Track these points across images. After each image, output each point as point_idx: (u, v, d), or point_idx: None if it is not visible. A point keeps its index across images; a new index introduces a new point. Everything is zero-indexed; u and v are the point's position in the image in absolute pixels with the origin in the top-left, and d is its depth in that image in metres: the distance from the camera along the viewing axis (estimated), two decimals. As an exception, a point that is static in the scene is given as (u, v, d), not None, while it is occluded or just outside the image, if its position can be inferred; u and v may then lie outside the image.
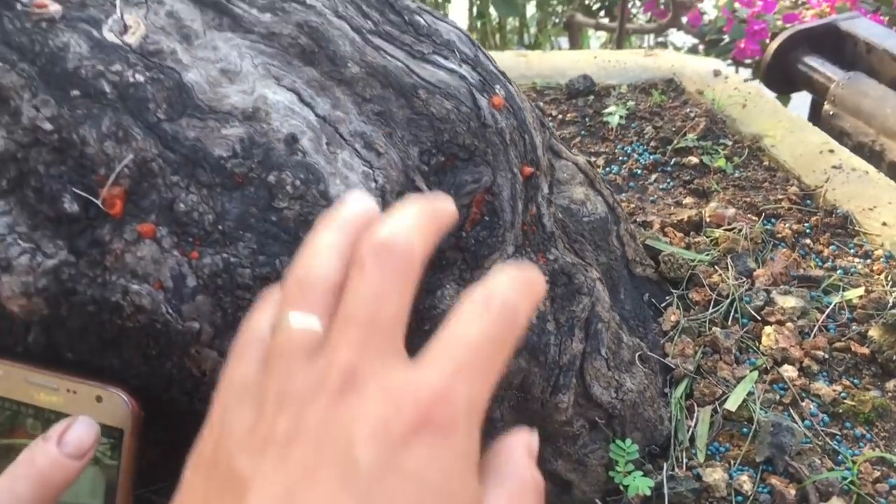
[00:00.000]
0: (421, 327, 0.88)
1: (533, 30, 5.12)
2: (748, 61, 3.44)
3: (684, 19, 3.96)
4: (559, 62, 1.76)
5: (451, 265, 0.88)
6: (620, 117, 1.53)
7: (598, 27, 4.47)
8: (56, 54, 0.71)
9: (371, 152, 0.81)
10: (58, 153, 0.72)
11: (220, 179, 0.75)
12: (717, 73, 1.61)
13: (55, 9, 0.72)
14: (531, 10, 4.86)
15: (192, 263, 0.74)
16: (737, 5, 3.46)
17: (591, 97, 1.63)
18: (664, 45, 4.92)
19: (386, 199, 0.81)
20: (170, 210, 0.74)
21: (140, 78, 0.73)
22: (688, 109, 1.55)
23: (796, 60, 2.22)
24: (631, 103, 1.58)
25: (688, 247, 1.23)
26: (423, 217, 0.51)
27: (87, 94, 0.72)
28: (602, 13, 4.76)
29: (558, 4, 4.64)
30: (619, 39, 4.14)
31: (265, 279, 0.75)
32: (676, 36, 4.63)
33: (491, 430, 0.97)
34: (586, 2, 4.66)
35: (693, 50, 4.30)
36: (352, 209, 0.55)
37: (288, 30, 0.81)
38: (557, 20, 4.76)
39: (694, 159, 1.42)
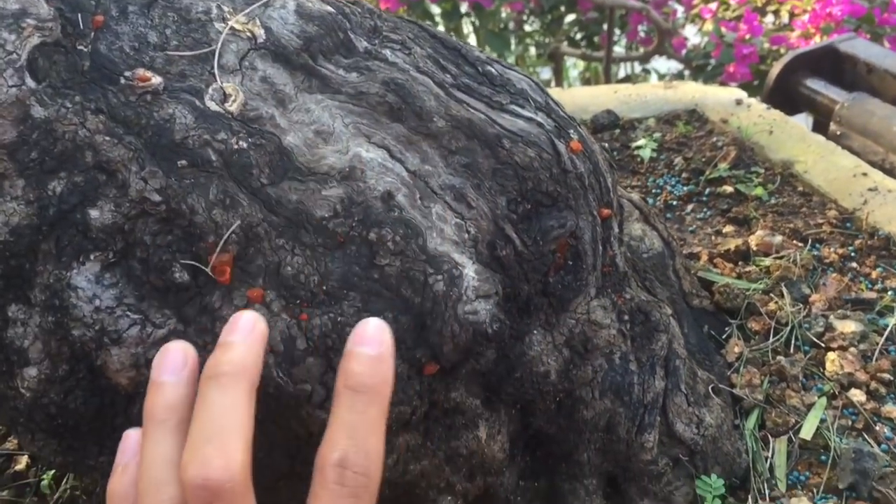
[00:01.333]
0: (511, 374, 0.89)
1: (511, 59, 5.19)
2: (734, 84, 3.50)
3: (668, 46, 4.03)
4: (580, 98, 1.79)
5: (538, 311, 0.88)
6: (652, 150, 1.55)
7: (585, 57, 4.52)
8: (162, 126, 0.72)
9: (462, 204, 0.82)
10: (165, 223, 0.72)
11: (322, 240, 0.76)
12: (739, 102, 1.64)
13: (157, 81, 0.73)
14: (512, 44, 4.92)
15: (301, 325, 0.74)
16: (723, 30, 3.53)
17: (617, 131, 1.66)
18: (647, 72, 5.00)
19: (478, 248, 0.82)
20: (277, 273, 0.74)
21: (243, 144, 0.74)
22: (714, 139, 1.58)
23: (798, 84, 2.26)
24: (657, 135, 1.60)
25: (739, 276, 1.24)
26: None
27: (195, 164, 0.72)
28: (584, 43, 4.82)
29: (541, 36, 4.70)
30: (607, 69, 4.20)
31: (372, 337, 0.76)
32: (659, 62, 4.70)
33: (578, 473, 0.97)
34: (569, 33, 4.72)
35: (679, 76, 4.37)
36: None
37: (375, 88, 0.82)
38: (542, 51, 4.82)
39: (729, 188, 1.45)
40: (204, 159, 0.72)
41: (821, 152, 1.48)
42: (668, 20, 3.88)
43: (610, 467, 0.98)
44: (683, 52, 3.93)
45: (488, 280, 0.81)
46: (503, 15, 4.19)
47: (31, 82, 0.70)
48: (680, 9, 4.13)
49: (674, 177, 1.53)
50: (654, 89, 1.76)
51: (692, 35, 4.21)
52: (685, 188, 1.50)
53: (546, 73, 5.31)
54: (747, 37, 3.38)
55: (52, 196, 0.71)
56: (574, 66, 5.59)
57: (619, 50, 4.66)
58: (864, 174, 1.43)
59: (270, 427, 0.78)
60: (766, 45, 3.34)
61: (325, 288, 0.75)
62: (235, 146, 0.73)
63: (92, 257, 0.71)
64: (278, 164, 0.75)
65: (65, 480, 1.12)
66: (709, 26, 3.87)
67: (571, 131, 0.91)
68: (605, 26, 3.98)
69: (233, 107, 0.74)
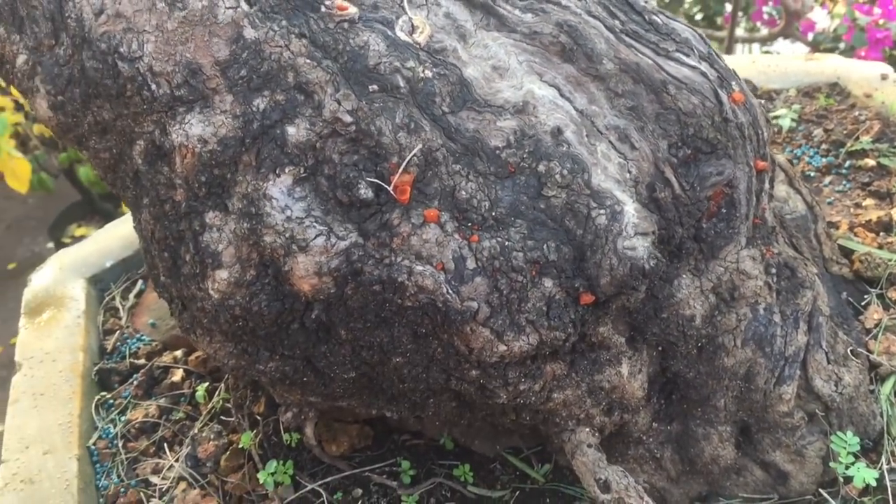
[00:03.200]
0: (658, 315, 0.91)
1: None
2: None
3: (796, 27, 3.91)
4: (715, 68, 1.78)
5: (689, 255, 0.91)
6: (791, 120, 1.54)
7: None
8: (357, 52, 0.77)
9: (625, 145, 0.85)
10: (353, 143, 0.78)
11: (494, 168, 0.80)
12: (884, 77, 1.60)
13: (354, 10, 0.78)
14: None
15: (472, 247, 0.78)
16: (856, 13, 3.41)
17: (753, 102, 1.65)
18: (769, 53, 4.86)
19: (638, 189, 0.85)
20: (451, 196, 0.79)
21: (429, 73, 0.78)
22: (856, 113, 1.55)
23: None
24: (797, 106, 1.58)
25: (880, 247, 1.23)
26: None
27: (384, 89, 0.77)
28: (704, 24, 4.73)
29: (661, 15, 4.63)
30: (729, 49, 4.11)
31: (535, 262, 0.80)
32: (782, 45, 4.57)
33: (713, 419, 1.00)
34: (688, 12, 4.64)
35: (804, 60, 4.23)
36: None
37: (548, 29, 0.85)
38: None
39: (871, 161, 1.42)
40: (393, 85, 0.77)
41: (970, 130, 1.44)
42: (798, 1, 3.77)
43: (745, 416, 0.99)
44: (811, 35, 3.82)
45: (647, 219, 0.84)
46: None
47: (244, 5, 0.76)
48: (811, -8, 4.00)
49: (812, 148, 1.51)
50: (795, 61, 1.74)
51: (822, 18, 4.07)
52: (824, 160, 1.48)
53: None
54: (881, 21, 3.27)
55: (256, 112, 0.77)
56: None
57: (739, 32, 4.55)
58: None
59: (432, 342, 0.84)
60: (900, 30, 3.22)
61: (494, 214, 0.80)
62: (422, 74, 0.78)
63: (287, 171, 0.77)
64: (458, 95, 0.80)
65: (217, 393, 1.21)
66: (840, 9, 3.74)
67: (734, 82, 0.93)
68: (728, 6, 3.90)
69: (420, 38, 0.79)
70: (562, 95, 0.84)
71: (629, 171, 0.84)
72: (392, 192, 0.77)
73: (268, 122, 0.77)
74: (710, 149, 0.88)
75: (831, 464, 0.98)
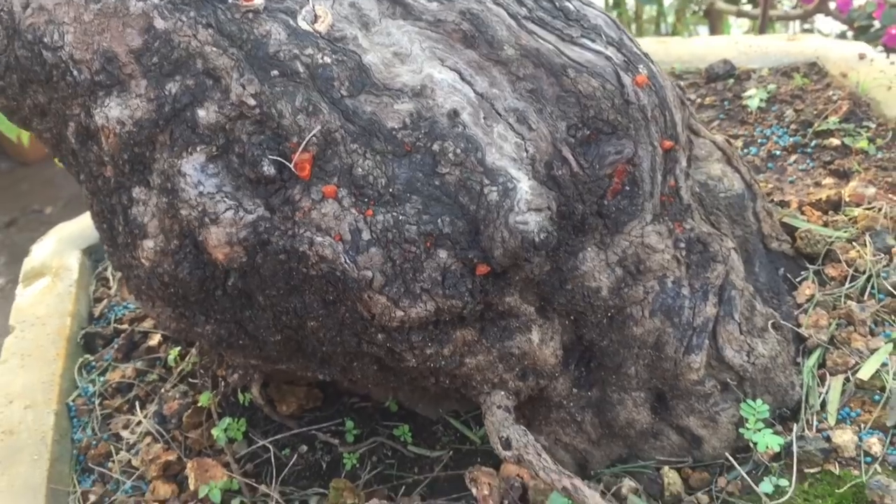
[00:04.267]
0: (563, 286, 0.97)
1: (671, 19, 5.06)
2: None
3: (832, 5, 3.84)
4: (698, 47, 1.80)
5: (593, 230, 0.95)
6: (761, 100, 1.55)
7: (740, 14, 4.36)
8: (259, 40, 0.84)
9: (523, 126, 0.90)
10: (258, 125, 0.85)
11: (391, 148, 0.86)
12: (861, 57, 1.60)
13: (259, 2, 0.85)
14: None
15: (367, 220, 0.85)
16: (888, -9, 3.34)
17: (731, 81, 1.66)
18: (810, 31, 4.77)
19: (535, 167, 0.90)
20: (349, 174, 0.85)
21: (327, 60, 0.85)
22: (830, 92, 1.55)
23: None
24: (772, 87, 1.59)
25: (825, 224, 1.25)
26: None
27: (285, 74, 0.84)
28: (743, 0, 4.65)
29: (700, -8, 4.58)
30: (762, 26, 4.05)
31: (429, 235, 0.86)
32: (823, 22, 4.48)
33: (626, 385, 1.05)
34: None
35: (842, 36, 4.16)
36: None
37: (452, 17, 0.91)
38: (697, 8, 4.69)
39: (835, 141, 1.43)
40: (293, 70, 0.84)
41: (939, 110, 1.44)
42: (832, -23, 3.69)
43: (658, 384, 1.04)
44: (848, 11, 3.74)
45: (542, 196, 0.89)
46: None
47: (155, -1, 0.83)
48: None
49: (782, 128, 1.53)
50: (777, 41, 1.75)
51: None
52: (791, 139, 1.50)
53: (703, 31, 5.16)
54: (914, -4, 3.20)
55: (168, 96, 0.85)
56: (737, 26, 5.40)
57: (785, 8, 4.48)
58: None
59: (340, 308, 0.91)
60: (935, 7, 3.15)
61: (391, 190, 0.86)
62: (321, 61, 0.84)
63: (199, 150, 0.85)
64: (357, 79, 0.86)
65: (187, 357, 1.30)
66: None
67: (641, 66, 0.97)
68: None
69: (321, 27, 0.86)
70: (462, 79, 0.90)
71: (526, 151, 0.90)
72: (293, 168, 0.84)
73: (179, 105, 0.84)
74: (611, 129, 0.93)
75: (740, 430, 1.03)
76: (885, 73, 1.56)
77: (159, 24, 0.83)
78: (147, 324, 1.38)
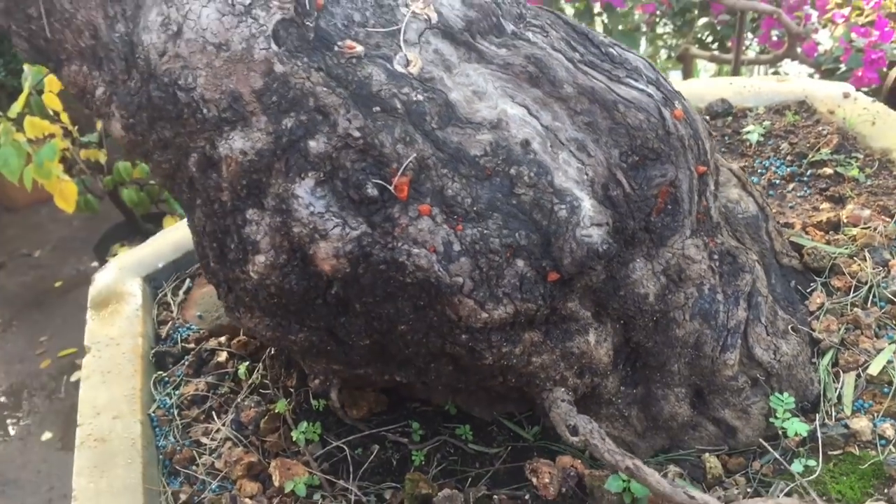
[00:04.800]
0: (617, 293, 1.11)
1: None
2: (865, 89, 3.53)
3: (799, 50, 4.08)
4: (697, 88, 1.97)
5: (641, 243, 1.10)
6: (759, 135, 1.72)
7: (714, 59, 4.61)
8: (363, 81, 0.99)
9: (583, 153, 1.05)
10: (361, 153, 0.99)
11: (475, 172, 1.01)
12: (846, 95, 1.78)
13: (360, 49, 0.99)
14: (642, 45, 5.04)
15: (457, 234, 0.99)
16: (853, 35, 3.57)
17: (730, 118, 1.83)
18: (777, 74, 5.03)
19: (594, 188, 1.05)
20: (441, 194, 0.99)
21: (420, 97, 0.99)
22: (820, 128, 1.73)
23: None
24: (767, 123, 1.77)
25: (828, 243, 1.41)
26: None
27: (385, 110, 0.98)
28: (715, 46, 4.90)
29: (672, 38, 4.82)
30: (735, 70, 4.29)
31: (509, 247, 1.00)
32: (790, 66, 4.73)
33: (670, 382, 1.19)
34: (699, 35, 4.82)
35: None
36: None
37: (519, 61, 1.06)
38: (671, 54, 4.93)
39: (829, 170, 1.60)
40: (392, 107, 0.98)
41: (919, 141, 1.62)
42: (801, 24, 3.94)
43: (697, 380, 1.18)
44: (815, 56, 3.98)
45: (601, 213, 1.04)
46: (636, 17, 4.34)
47: (274, 46, 0.97)
48: (814, 14, 4.17)
49: (779, 159, 1.70)
50: (768, 81, 1.93)
51: (826, 40, 4.23)
52: (788, 169, 1.67)
53: (676, 75, 5.41)
54: (877, 42, 3.43)
55: (285, 129, 0.98)
56: (705, 70, 5.66)
57: (750, 54, 4.73)
58: (957, 161, 1.56)
59: (429, 312, 1.04)
60: None
61: (475, 208, 1.00)
62: (415, 98, 0.99)
63: (310, 175, 0.99)
64: (445, 114, 1.01)
65: (255, 371, 1.42)
66: (840, 31, 3.91)
67: (676, 102, 1.13)
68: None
69: (413, 70, 1.00)
70: (530, 114, 1.05)
71: (586, 174, 1.05)
72: (393, 190, 0.98)
73: (294, 137, 0.98)
74: (655, 156, 1.08)
75: (771, 419, 1.17)
76: (867, 110, 1.74)
77: (278, 68, 0.97)
78: (213, 343, 1.50)
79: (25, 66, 2.81)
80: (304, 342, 1.12)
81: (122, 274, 1.64)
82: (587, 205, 1.03)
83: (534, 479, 1.17)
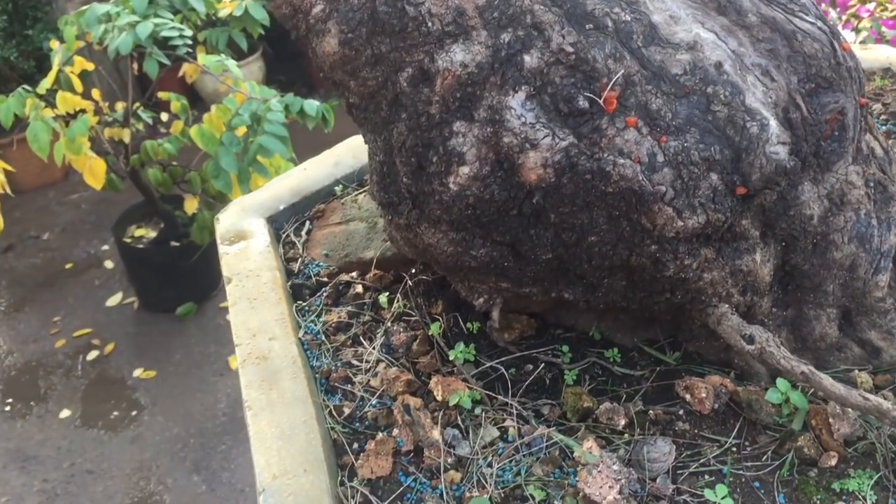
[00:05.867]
0: (787, 212, 1.17)
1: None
2: None
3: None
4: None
5: (810, 167, 1.17)
6: (855, 94, 1.82)
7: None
8: (577, 1, 1.04)
9: (766, 77, 1.12)
10: (570, 69, 1.04)
11: (674, 90, 1.07)
12: (929, 62, 1.88)
13: (573, -31, 1.05)
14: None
15: (661, 146, 1.05)
16: (883, 28, 3.68)
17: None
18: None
19: (777, 111, 1.11)
20: (645, 109, 1.05)
21: (628, 18, 1.05)
22: (909, 90, 1.83)
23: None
24: (857, 85, 1.86)
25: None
26: None
27: (597, 28, 1.04)
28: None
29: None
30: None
31: (706, 160, 1.06)
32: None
33: (823, 302, 1.25)
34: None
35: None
36: None
37: (707, -10, 1.12)
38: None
39: (923, 128, 1.70)
40: (603, 25, 1.04)
41: None
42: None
43: (847, 302, 1.25)
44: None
45: (784, 132, 1.10)
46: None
47: (497, -36, 1.03)
48: (832, 12, 4.28)
49: (875, 118, 1.78)
50: (854, 48, 2.02)
51: (848, 36, 4.33)
52: (883, 127, 1.75)
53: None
54: (907, 31, 3.53)
55: (503, 44, 1.04)
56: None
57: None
58: None
59: (622, 222, 1.10)
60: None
61: (675, 123, 1.06)
62: (624, 18, 1.05)
63: (522, 89, 1.04)
64: (648, 34, 1.07)
65: (395, 301, 1.47)
66: (867, 24, 4.02)
67: (842, 36, 1.19)
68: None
69: (622, -9, 1.06)
70: (719, 39, 1.11)
71: (770, 97, 1.11)
72: (602, 103, 1.04)
73: (511, 52, 1.04)
74: (828, 84, 1.15)
75: (915, 340, 1.24)
76: (953, 76, 1.84)
77: (502, -16, 1.03)
78: (346, 277, 1.54)
79: (53, 44, 2.81)
80: (485, 257, 1.18)
81: (245, 214, 1.68)
82: (773, 124, 1.09)
83: (687, 396, 1.23)
